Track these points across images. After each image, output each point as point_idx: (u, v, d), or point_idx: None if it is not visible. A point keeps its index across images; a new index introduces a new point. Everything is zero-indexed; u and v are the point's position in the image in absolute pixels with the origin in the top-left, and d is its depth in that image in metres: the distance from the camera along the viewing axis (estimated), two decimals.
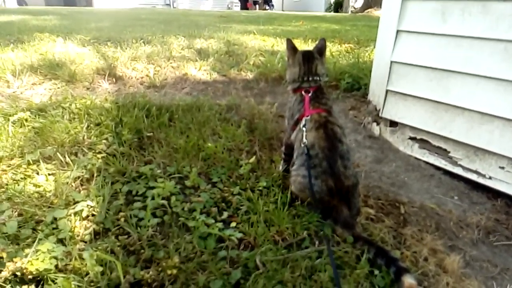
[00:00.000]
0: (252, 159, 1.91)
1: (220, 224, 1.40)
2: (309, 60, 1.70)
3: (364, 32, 6.97)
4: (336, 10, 25.55)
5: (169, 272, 1.16)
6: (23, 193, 1.43)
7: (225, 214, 1.48)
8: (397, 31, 2.26)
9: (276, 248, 1.31)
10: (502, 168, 1.91)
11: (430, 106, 2.17)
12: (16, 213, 1.36)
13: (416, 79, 2.22)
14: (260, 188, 1.67)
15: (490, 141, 1.92)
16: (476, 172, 2.04)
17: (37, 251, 1.15)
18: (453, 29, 2.00)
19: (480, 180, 2.02)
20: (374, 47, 2.54)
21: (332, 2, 28.31)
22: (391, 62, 2.32)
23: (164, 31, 5.60)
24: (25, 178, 1.56)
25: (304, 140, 1.51)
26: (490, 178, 1.97)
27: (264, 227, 1.40)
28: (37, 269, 1.09)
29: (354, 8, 22.37)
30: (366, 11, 15.88)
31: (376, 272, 1.27)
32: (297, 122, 1.63)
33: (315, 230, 1.44)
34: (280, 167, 1.85)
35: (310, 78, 1.68)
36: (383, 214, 1.68)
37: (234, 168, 1.84)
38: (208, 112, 2.41)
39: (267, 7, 27.94)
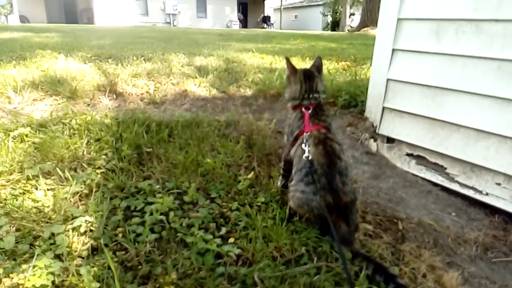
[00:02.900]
0: (251, 175, 1.92)
1: (218, 240, 1.39)
2: (310, 78, 1.73)
3: (360, 50, 7.09)
4: (333, 29, 26.13)
5: None
6: (21, 208, 1.43)
7: (224, 230, 1.48)
8: (393, 50, 2.31)
9: (274, 264, 1.30)
10: (499, 184, 1.92)
11: (426, 123, 2.20)
12: (14, 228, 1.36)
13: (412, 97, 2.25)
14: (259, 203, 1.68)
15: (486, 157, 1.94)
16: (473, 188, 2.05)
17: (34, 266, 1.14)
18: (448, 48, 2.05)
19: (477, 197, 2.03)
20: (371, 65, 2.59)
21: (329, 21, 28.98)
22: (387, 79, 2.36)
23: (164, 48, 5.69)
24: (24, 193, 1.56)
25: (307, 154, 1.52)
26: (487, 194, 1.98)
27: (262, 243, 1.39)
28: (33, 285, 1.08)
29: (350, 27, 22.83)
30: (363, 29, 16.18)
31: None
32: (297, 138, 1.65)
33: (313, 246, 1.44)
34: (279, 183, 1.85)
35: (311, 96, 1.70)
36: (381, 230, 1.67)
37: (232, 184, 1.84)
38: (207, 128, 2.43)
39: (266, 26, 28.54)
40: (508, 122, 1.82)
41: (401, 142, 2.40)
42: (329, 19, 29.13)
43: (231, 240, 1.43)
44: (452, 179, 2.15)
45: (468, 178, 2.07)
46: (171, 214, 1.52)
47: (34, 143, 1.99)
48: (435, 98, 2.13)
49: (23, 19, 20.17)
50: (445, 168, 2.18)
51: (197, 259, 1.29)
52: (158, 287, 1.16)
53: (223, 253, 1.34)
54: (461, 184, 2.10)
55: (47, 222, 1.39)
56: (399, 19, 2.25)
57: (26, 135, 2.07)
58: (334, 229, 1.32)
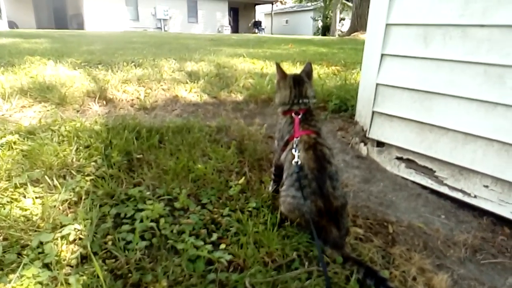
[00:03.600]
0: (242, 180, 1.92)
1: (209, 246, 1.39)
2: (300, 84, 1.74)
3: (350, 55, 7.17)
4: (323, 34, 26.41)
5: None
6: (9, 217, 1.41)
7: (215, 236, 1.47)
8: (382, 55, 2.34)
9: (265, 270, 1.30)
10: (486, 186, 1.95)
11: (415, 127, 2.23)
12: (1, 237, 1.34)
13: (401, 101, 2.28)
14: (250, 209, 1.68)
15: (473, 160, 1.97)
16: (461, 191, 2.07)
17: (21, 276, 1.13)
18: (435, 52, 2.08)
19: (466, 199, 2.05)
20: (360, 69, 2.61)
21: (319, 26, 29.28)
22: (377, 84, 2.39)
23: (155, 54, 5.68)
24: (11, 202, 1.54)
25: (297, 159, 1.53)
26: (475, 196, 2.01)
27: (253, 249, 1.39)
28: None
29: (341, 31, 23.07)
30: (353, 34, 16.37)
31: None
32: (287, 143, 1.66)
33: (304, 251, 1.44)
34: (270, 188, 1.86)
35: (300, 101, 1.71)
36: (371, 233, 1.69)
37: (223, 189, 1.84)
38: (198, 134, 2.43)
39: (257, 31, 28.69)
40: (495, 125, 1.85)
41: (390, 146, 2.43)
42: (320, 24, 29.43)
43: (222, 246, 1.42)
44: (441, 182, 2.17)
45: (456, 181, 2.10)
46: (162, 220, 1.51)
47: (22, 150, 1.97)
48: (423, 102, 2.16)
49: (11, 24, 19.93)
50: (434, 171, 2.20)
51: (188, 266, 1.29)
52: None
53: (214, 260, 1.33)
54: (450, 187, 2.13)
55: (36, 231, 1.38)
56: (387, 25, 2.28)
57: (14, 143, 2.05)
58: (315, 231, 1.34)
